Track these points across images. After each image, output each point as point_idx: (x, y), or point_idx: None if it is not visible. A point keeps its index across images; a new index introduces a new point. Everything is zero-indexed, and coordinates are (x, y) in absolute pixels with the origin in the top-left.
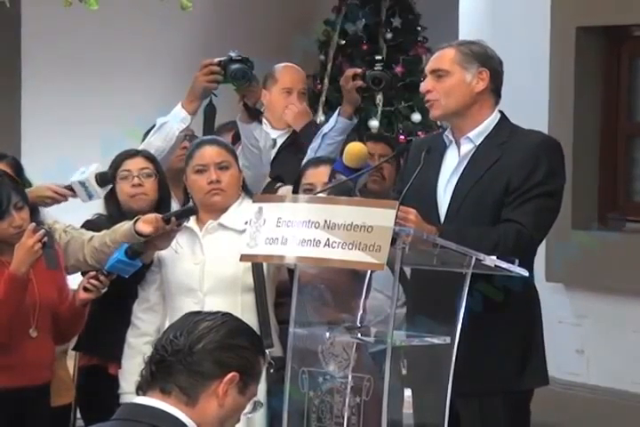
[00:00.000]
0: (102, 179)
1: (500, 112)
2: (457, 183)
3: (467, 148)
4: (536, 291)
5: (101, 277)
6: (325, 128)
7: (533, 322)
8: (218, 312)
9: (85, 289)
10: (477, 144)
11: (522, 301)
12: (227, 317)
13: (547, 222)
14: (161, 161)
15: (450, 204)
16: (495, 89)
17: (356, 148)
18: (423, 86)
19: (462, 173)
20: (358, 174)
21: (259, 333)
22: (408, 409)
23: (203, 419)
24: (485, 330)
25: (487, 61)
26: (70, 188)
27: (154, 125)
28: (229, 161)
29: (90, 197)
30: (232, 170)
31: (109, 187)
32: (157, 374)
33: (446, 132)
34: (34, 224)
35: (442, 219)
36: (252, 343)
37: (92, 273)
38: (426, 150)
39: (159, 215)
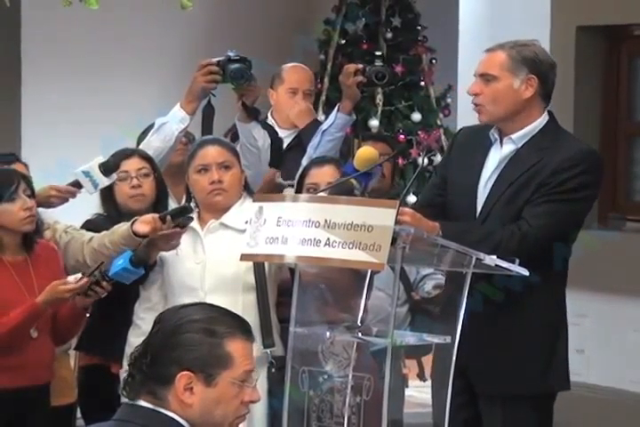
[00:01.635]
0: (106, 168)
1: (550, 114)
2: (494, 183)
3: (508, 148)
4: (564, 294)
5: (104, 284)
6: (325, 125)
7: (560, 324)
8: (183, 307)
9: (85, 294)
10: (519, 146)
11: (548, 302)
12: (183, 312)
13: (558, 227)
14: (160, 161)
15: (485, 202)
16: (545, 94)
17: (367, 152)
18: (471, 88)
19: (500, 174)
20: (358, 174)
21: (260, 332)
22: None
23: (186, 418)
24: (510, 331)
25: (537, 67)
26: (74, 183)
27: (150, 126)
28: (231, 161)
29: (95, 186)
30: (234, 170)
31: (114, 177)
32: (130, 383)
33: (492, 130)
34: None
35: (477, 215)
36: (205, 332)
37: (92, 279)
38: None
39: (156, 215)
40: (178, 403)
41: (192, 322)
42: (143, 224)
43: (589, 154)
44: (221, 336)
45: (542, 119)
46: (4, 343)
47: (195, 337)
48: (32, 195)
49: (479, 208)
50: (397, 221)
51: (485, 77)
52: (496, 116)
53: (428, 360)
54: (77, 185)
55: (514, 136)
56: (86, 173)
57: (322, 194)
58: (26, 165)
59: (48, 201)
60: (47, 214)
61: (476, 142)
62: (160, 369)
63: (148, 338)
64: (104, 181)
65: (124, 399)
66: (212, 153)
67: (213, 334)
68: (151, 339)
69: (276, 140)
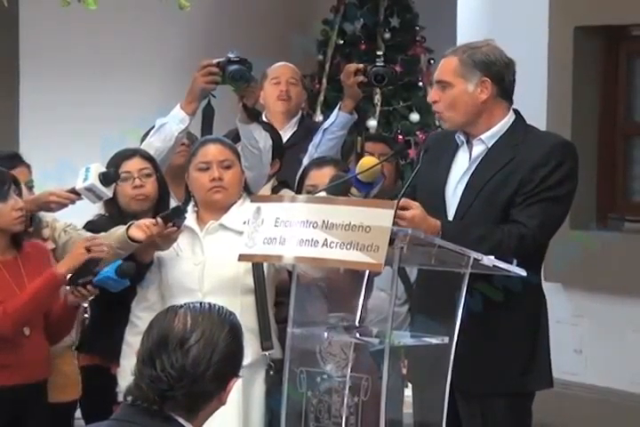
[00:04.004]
0: (106, 178)
1: (516, 112)
2: (467, 183)
3: (479, 149)
4: (543, 293)
5: (89, 287)
6: (326, 123)
7: (540, 324)
8: (195, 320)
9: (72, 293)
10: (489, 146)
11: (529, 302)
12: (205, 324)
13: (552, 226)
14: (160, 162)
15: (460, 203)
16: (503, 93)
17: (369, 162)
18: (430, 96)
19: (473, 174)
20: (360, 184)
21: (258, 335)
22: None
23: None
24: (490, 330)
25: (489, 68)
26: (74, 191)
27: (152, 127)
28: (232, 160)
29: (100, 198)
30: (235, 169)
31: (114, 185)
32: (158, 402)
33: (458, 133)
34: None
35: (450, 218)
36: (236, 340)
37: (81, 280)
38: (424, 150)
39: (153, 220)
40: (207, 409)
41: (220, 334)
42: (138, 230)
43: (563, 145)
44: (241, 339)
45: (508, 118)
46: (23, 320)
47: (233, 349)
48: (20, 195)
49: (450, 211)
50: (399, 217)
51: (441, 84)
52: (457, 121)
53: None
54: (78, 192)
55: (483, 137)
56: (89, 190)
57: (320, 195)
58: (28, 166)
59: (47, 206)
60: (46, 213)
61: (442, 146)
62: (206, 386)
63: (174, 360)
64: (107, 193)
65: (121, 397)
66: (213, 151)
67: (239, 336)
68: (181, 361)
69: (277, 140)
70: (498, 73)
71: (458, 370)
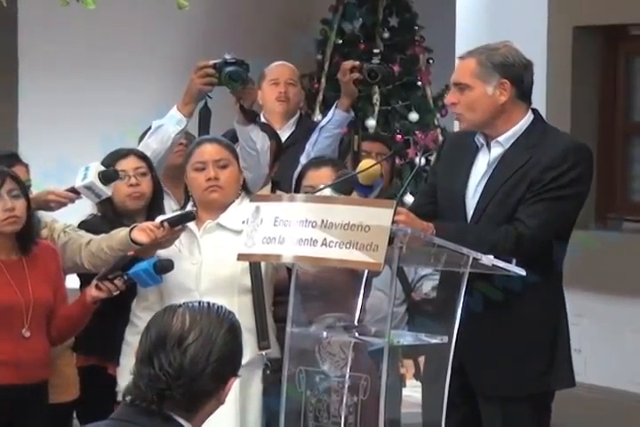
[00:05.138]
0: (106, 177)
1: (535, 112)
2: (485, 185)
3: (497, 151)
4: (562, 292)
5: (117, 282)
6: (323, 121)
7: (559, 322)
8: (193, 319)
9: (98, 287)
10: (507, 148)
11: (548, 301)
12: (203, 322)
13: (555, 225)
14: (158, 163)
15: (477, 204)
16: (522, 95)
17: (368, 165)
18: (448, 98)
19: (491, 177)
20: (360, 186)
21: (255, 334)
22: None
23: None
24: (509, 330)
25: (508, 70)
26: (74, 190)
27: (149, 128)
28: (229, 159)
29: (99, 197)
30: (231, 168)
31: (113, 184)
32: (157, 401)
33: (477, 135)
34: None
35: (469, 220)
36: (234, 339)
37: (111, 275)
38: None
39: (156, 223)
40: (207, 408)
41: (219, 333)
42: (142, 233)
43: (578, 148)
44: (240, 337)
45: (527, 119)
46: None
47: (231, 347)
48: (20, 195)
49: (470, 212)
50: (393, 221)
51: (459, 86)
52: (475, 123)
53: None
54: (77, 191)
55: (500, 139)
56: (88, 188)
57: (325, 191)
58: (26, 166)
59: (46, 205)
60: (45, 212)
61: (462, 147)
62: (205, 385)
63: (172, 359)
64: (107, 192)
65: (120, 397)
66: (209, 151)
67: (238, 335)
68: (179, 360)
69: (276, 140)
70: (517, 75)
71: (477, 372)
